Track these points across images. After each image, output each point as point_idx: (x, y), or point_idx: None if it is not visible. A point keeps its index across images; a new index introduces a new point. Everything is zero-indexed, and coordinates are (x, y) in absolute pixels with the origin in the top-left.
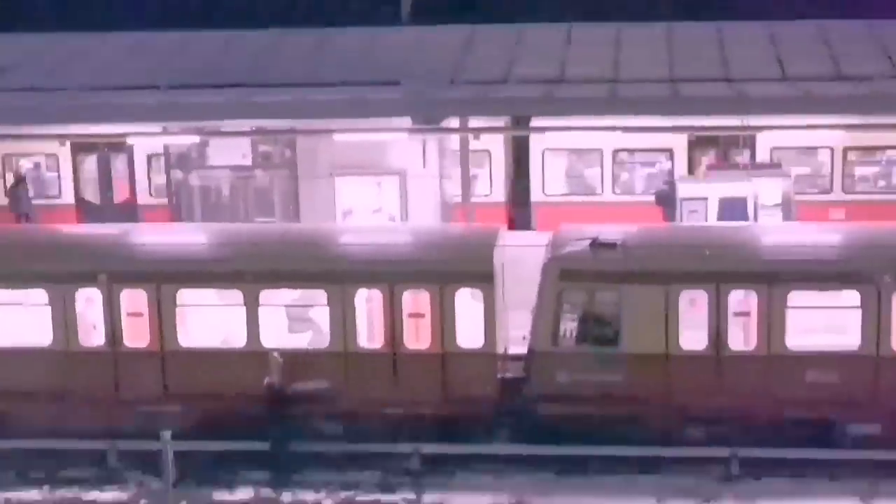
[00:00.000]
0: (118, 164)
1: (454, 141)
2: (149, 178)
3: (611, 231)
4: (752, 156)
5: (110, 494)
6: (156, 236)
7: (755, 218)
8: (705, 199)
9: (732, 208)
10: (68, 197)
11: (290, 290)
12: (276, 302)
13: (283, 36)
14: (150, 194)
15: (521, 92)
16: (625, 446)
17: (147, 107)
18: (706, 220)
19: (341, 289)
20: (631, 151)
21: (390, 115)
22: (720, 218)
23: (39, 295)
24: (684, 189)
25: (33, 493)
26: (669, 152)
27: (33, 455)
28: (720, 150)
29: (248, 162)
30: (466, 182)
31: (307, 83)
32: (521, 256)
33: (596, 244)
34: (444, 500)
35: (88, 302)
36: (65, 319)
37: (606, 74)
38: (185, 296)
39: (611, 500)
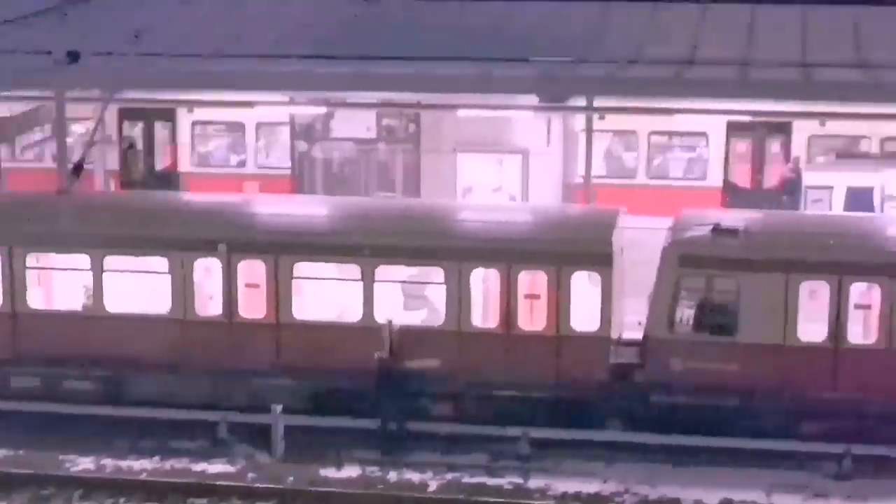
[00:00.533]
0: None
1: (580, 120)
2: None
3: (733, 217)
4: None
5: (218, 467)
6: (276, 207)
7: (881, 209)
8: (831, 187)
9: (858, 198)
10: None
11: (407, 266)
12: (392, 278)
13: (414, 8)
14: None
15: (651, 73)
16: (736, 438)
17: (276, 75)
18: (831, 210)
19: (458, 267)
20: (667, 134)
21: (516, 93)
22: (845, 208)
23: (159, 262)
24: (810, 177)
25: (143, 463)
26: (705, 136)
27: (145, 424)
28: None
29: (372, 135)
30: (589, 162)
31: (434, 56)
32: (641, 240)
33: (717, 230)
34: (550, 486)
35: (207, 271)
36: (183, 288)
37: (738, 56)
38: (303, 268)
39: (720, 491)
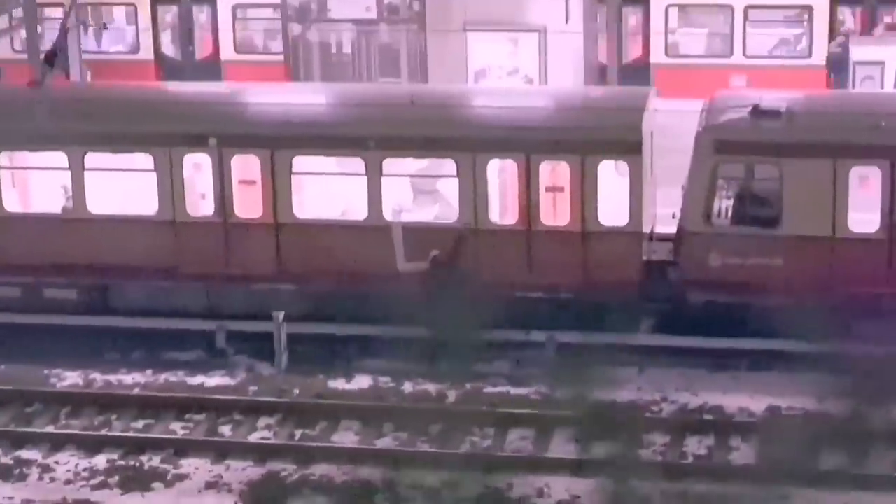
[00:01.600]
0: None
1: None
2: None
3: (773, 97)
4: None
5: (217, 379)
6: (271, 97)
7: None
8: (882, 63)
9: None
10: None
11: (416, 158)
12: (400, 171)
13: None
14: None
15: None
16: (782, 340)
17: None
18: (882, 87)
19: (472, 158)
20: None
21: None
22: None
23: (144, 159)
24: (858, 52)
25: (135, 376)
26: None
27: (136, 335)
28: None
29: (373, 15)
30: (615, 41)
31: None
32: (674, 124)
33: (757, 111)
34: (579, 396)
35: (196, 168)
36: (171, 187)
37: None
38: (302, 163)
39: (765, 398)
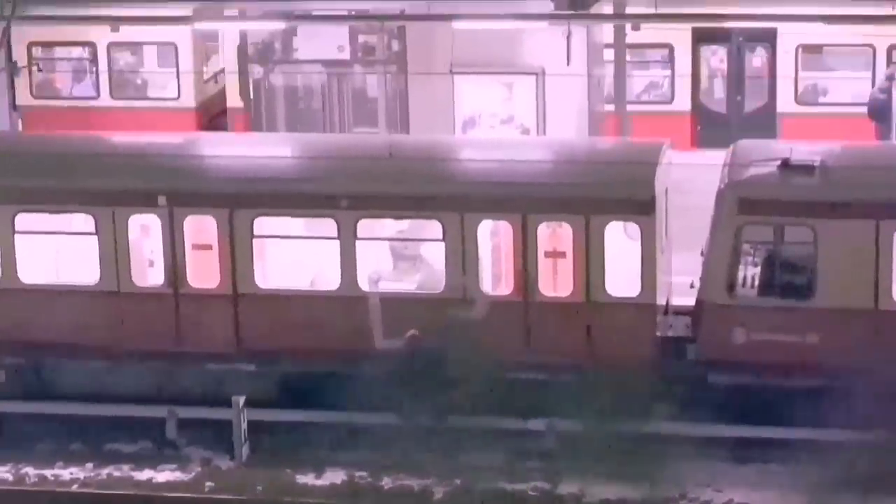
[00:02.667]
0: None
1: (608, 32)
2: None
3: (805, 149)
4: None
5: (168, 474)
6: (229, 149)
7: None
8: None
9: None
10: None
11: (396, 220)
12: (377, 234)
13: None
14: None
15: None
16: (818, 429)
17: None
18: None
19: (460, 219)
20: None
21: None
22: None
23: (83, 221)
24: None
25: (74, 471)
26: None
27: (74, 423)
28: None
29: (346, 55)
30: (622, 85)
31: None
32: (691, 179)
33: (787, 165)
34: (585, 492)
35: (144, 231)
36: (115, 252)
37: None
38: (265, 225)
39: (799, 495)
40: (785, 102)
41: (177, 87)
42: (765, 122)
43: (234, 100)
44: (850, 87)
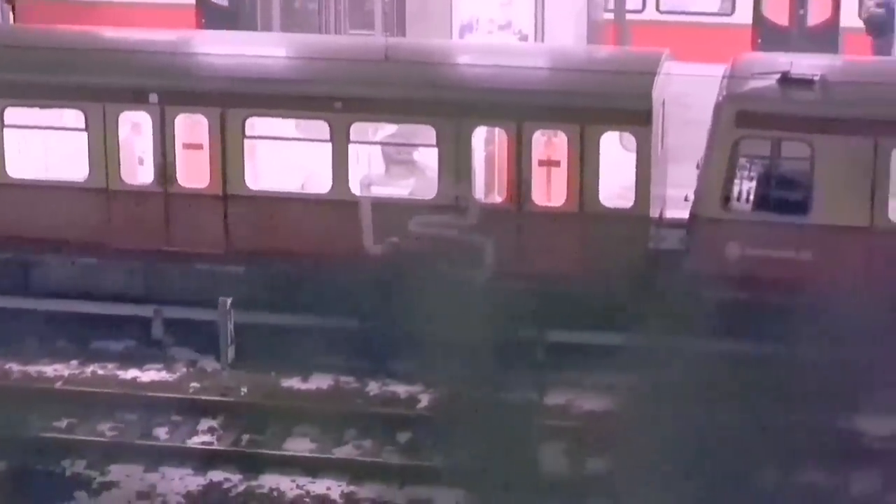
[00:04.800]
0: None
1: None
2: None
3: (806, 63)
4: None
5: (153, 374)
6: (222, 48)
7: None
8: None
9: None
10: None
11: (390, 123)
12: (370, 138)
13: None
14: None
15: None
16: (812, 343)
17: None
18: None
19: (455, 125)
20: None
21: None
22: None
23: (73, 116)
24: None
25: (59, 368)
26: None
27: (60, 320)
28: None
29: None
30: None
31: None
32: (689, 91)
33: (787, 79)
34: (572, 403)
35: (134, 128)
36: (104, 149)
37: None
38: (257, 125)
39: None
40: (848, 17)
41: None
42: (827, 38)
43: None
44: None
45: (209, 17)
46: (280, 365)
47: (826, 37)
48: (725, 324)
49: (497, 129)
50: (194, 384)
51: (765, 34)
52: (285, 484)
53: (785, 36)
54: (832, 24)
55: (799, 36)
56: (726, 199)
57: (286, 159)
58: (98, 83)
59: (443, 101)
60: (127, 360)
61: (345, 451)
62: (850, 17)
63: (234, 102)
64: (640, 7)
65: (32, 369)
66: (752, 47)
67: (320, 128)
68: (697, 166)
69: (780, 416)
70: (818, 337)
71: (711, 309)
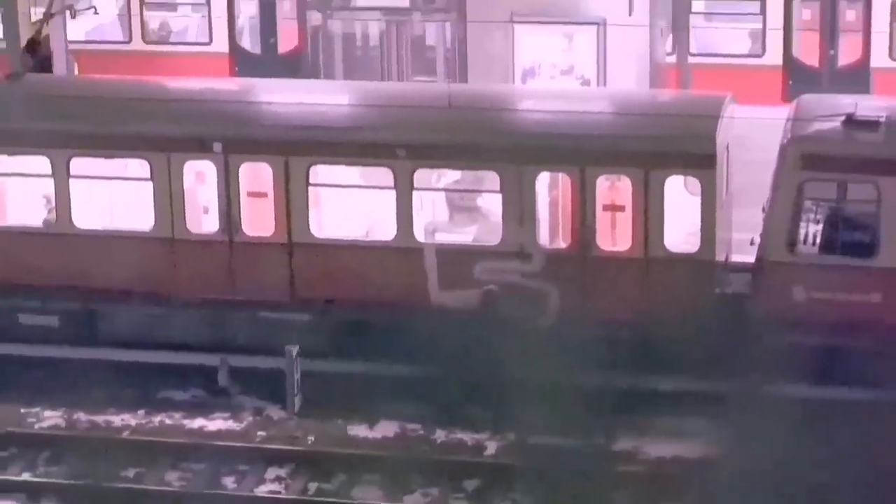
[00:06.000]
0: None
1: None
2: None
3: (870, 104)
4: None
5: (220, 423)
6: (286, 96)
7: None
8: None
9: None
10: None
11: (454, 170)
12: (434, 185)
13: None
14: None
15: None
16: (882, 390)
17: None
18: None
19: (519, 171)
20: None
21: None
22: None
23: (138, 166)
24: None
25: (126, 417)
26: None
27: (126, 370)
28: None
29: (405, 3)
30: (683, 37)
31: None
32: (753, 134)
33: (852, 121)
34: (640, 449)
35: (199, 177)
36: (169, 198)
37: None
38: (321, 173)
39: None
40: (879, 57)
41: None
42: (858, 78)
43: None
44: None
45: (242, 65)
46: (346, 412)
47: (857, 77)
48: (793, 368)
49: (561, 175)
50: (261, 433)
51: (795, 75)
52: None
53: (816, 77)
54: (863, 64)
55: (830, 77)
56: (792, 242)
57: (350, 206)
58: (163, 133)
59: (506, 147)
60: (193, 409)
61: (413, 500)
62: (881, 58)
63: (298, 150)
64: (669, 49)
65: (100, 419)
66: (783, 88)
67: (384, 175)
68: (763, 209)
69: (848, 460)
70: (888, 380)
71: (779, 353)
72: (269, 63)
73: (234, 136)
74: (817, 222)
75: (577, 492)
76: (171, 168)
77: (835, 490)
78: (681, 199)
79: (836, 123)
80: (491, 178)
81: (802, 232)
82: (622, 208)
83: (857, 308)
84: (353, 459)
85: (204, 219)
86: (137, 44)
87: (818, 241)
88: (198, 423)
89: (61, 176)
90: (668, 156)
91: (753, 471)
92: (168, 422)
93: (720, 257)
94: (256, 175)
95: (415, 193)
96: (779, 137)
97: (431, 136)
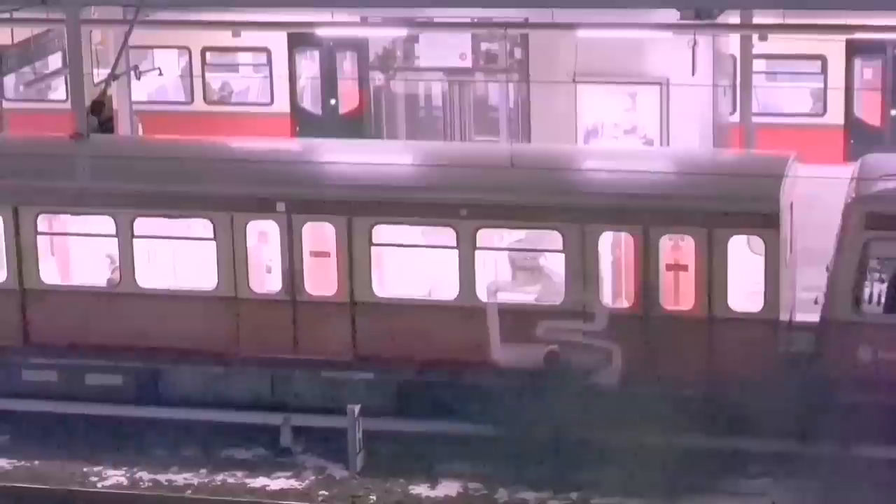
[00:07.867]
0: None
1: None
2: None
3: None
4: None
5: (282, 482)
6: (349, 156)
7: None
8: None
9: None
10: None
11: (516, 229)
12: (497, 244)
13: None
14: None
15: None
16: None
17: None
18: None
19: (580, 230)
20: None
21: (653, 7)
22: None
23: (201, 226)
24: None
25: (188, 476)
26: None
27: (189, 428)
28: None
29: (468, 63)
30: (747, 96)
31: None
32: (816, 194)
33: None
34: None
35: (262, 236)
36: (233, 258)
37: None
38: (384, 233)
39: None
40: None
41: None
42: None
43: None
44: None
45: (303, 125)
46: (408, 471)
47: None
48: (860, 428)
49: (624, 234)
50: (323, 492)
51: (856, 134)
52: None
53: (877, 136)
54: None
55: (891, 136)
56: (857, 301)
57: (413, 266)
58: (225, 193)
59: (569, 206)
60: (256, 468)
61: None
62: None
63: (360, 210)
64: (732, 109)
65: (162, 478)
66: (844, 147)
67: (447, 234)
68: (827, 269)
69: None
70: None
71: (845, 414)
72: (330, 123)
73: (296, 196)
74: (882, 281)
75: None
76: (234, 228)
77: None
78: (745, 258)
79: None
80: (553, 238)
81: (867, 291)
82: (685, 268)
83: None
84: None
85: (267, 278)
86: (199, 104)
87: (883, 299)
88: (260, 482)
89: (125, 236)
90: (732, 215)
91: None
92: (230, 481)
93: (784, 317)
94: (319, 235)
95: (477, 253)
96: (841, 196)
97: (494, 195)
